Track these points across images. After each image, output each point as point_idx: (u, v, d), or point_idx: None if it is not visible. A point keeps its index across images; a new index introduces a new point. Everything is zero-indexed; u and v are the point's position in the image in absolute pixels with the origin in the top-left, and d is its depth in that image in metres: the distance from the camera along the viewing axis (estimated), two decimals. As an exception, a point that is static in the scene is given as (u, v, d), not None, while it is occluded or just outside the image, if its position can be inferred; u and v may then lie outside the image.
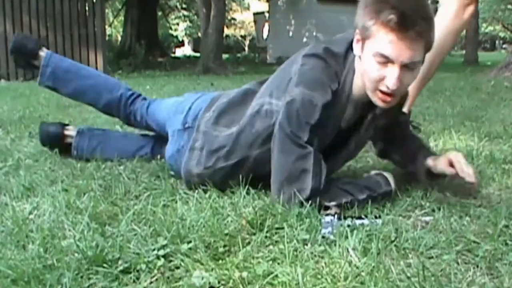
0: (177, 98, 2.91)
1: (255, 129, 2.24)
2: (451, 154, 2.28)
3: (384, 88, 2.02)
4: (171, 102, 2.87)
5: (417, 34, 1.92)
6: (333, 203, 2.06)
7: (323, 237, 1.80)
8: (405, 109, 2.57)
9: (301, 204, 2.01)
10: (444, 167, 2.27)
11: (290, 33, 24.68)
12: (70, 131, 3.18)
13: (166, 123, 2.74)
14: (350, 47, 2.14)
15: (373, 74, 2.02)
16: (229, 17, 39.47)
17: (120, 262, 1.61)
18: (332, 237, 1.79)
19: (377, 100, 2.09)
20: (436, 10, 3.35)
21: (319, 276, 1.51)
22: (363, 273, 1.53)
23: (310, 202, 2.02)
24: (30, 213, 2.14)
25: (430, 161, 2.36)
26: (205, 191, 2.37)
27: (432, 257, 1.68)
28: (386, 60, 1.97)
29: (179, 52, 39.33)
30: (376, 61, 1.99)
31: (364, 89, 2.11)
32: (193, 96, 2.73)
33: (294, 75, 2.13)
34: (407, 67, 1.98)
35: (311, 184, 2.04)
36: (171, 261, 1.65)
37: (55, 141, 3.18)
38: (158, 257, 1.64)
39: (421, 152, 2.45)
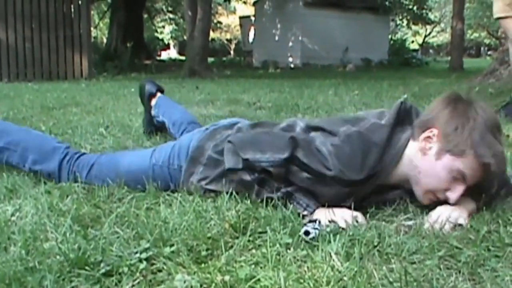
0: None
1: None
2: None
3: (441, 196, 2.10)
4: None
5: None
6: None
7: (305, 232, 1.81)
8: None
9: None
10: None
11: (276, 37, 24.77)
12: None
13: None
14: (390, 135, 2.14)
15: (440, 183, 2.08)
16: (215, 21, 39.43)
17: (102, 265, 1.61)
18: (314, 232, 1.80)
19: (424, 198, 2.16)
20: None
21: (302, 281, 1.51)
22: (345, 278, 1.53)
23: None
24: (12, 215, 2.13)
25: None
26: (189, 194, 2.36)
27: (414, 262, 1.69)
28: (461, 179, 2.05)
29: (164, 55, 39.36)
30: (451, 175, 2.05)
31: (406, 177, 2.16)
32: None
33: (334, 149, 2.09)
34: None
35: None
36: (153, 264, 1.64)
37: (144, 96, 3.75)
38: (140, 260, 1.64)
39: None
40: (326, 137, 2.13)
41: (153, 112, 3.69)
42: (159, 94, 3.69)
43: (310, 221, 1.93)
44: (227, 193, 2.27)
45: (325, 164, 2.03)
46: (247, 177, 2.15)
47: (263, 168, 2.10)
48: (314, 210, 2.07)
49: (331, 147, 2.05)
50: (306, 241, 1.81)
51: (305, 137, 2.16)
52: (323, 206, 2.06)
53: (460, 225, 2.00)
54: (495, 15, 4.83)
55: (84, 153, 2.74)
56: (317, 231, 1.83)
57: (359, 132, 2.08)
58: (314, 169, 2.05)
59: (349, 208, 2.02)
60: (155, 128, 3.84)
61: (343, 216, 1.99)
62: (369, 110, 2.44)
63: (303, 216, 2.05)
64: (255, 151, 2.10)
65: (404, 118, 2.21)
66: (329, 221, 1.94)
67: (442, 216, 2.02)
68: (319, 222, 1.92)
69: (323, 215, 2.00)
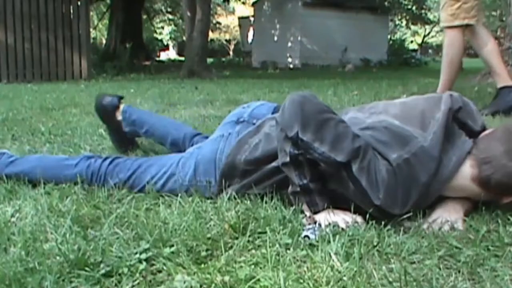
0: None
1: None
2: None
3: None
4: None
5: None
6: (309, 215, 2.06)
7: (305, 236, 1.81)
8: None
9: None
10: None
11: (275, 38, 24.75)
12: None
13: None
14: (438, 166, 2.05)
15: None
16: (214, 21, 39.45)
17: (102, 265, 1.61)
18: (314, 237, 1.80)
19: None
20: None
21: (301, 281, 1.52)
22: (345, 278, 1.53)
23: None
24: (12, 216, 2.13)
25: None
26: (188, 195, 2.36)
27: (414, 262, 1.69)
28: None
29: (163, 56, 39.28)
30: None
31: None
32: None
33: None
34: None
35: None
36: (153, 265, 1.65)
37: (108, 113, 3.27)
38: (140, 261, 1.64)
39: None
40: (384, 152, 2.00)
41: (125, 127, 3.25)
42: (122, 105, 3.27)
43: (309, 224, 1.93)
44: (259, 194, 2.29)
45: (376, 192, 1.93)
46: (289, 149, 2.00)
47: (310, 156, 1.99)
48: (319, 211, 2.04)
49: (386, 174, 1.94)
50: (306, 236, 1.81)
51: (371, 152, 1.97)
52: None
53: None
54: (441, 25, 5.10)
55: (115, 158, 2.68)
56: (317, 234, 1.83)
57: (409, 163, 1.97)
58: (363, 188, 1.94)
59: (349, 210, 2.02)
60: (130, 142, 3.46)
61: (344, 218, 1.98)
62: (411, 100, 2.34)
63: (304, 216, 2.04)
64: (315, 137, 1.94)
65: (452, 128, 2.16)
66: (329, 223, 1.94)
67: (441, 217, 2.03)
68: (319, 225, 1.92)
69: (323, 216, 2.00)
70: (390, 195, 1.92)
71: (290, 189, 2.10)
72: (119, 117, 3.23)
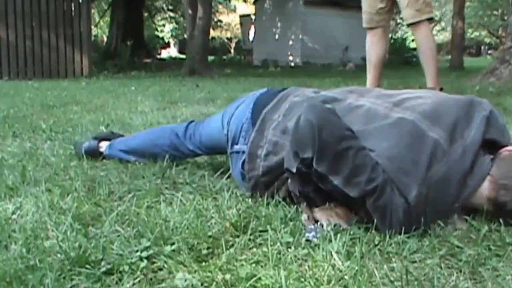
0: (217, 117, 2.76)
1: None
2: None
3: None
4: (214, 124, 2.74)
5: None
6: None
7: (307, 240, 1.81)
8: None
9: None
10: None
11: (276, 36, 24.74)
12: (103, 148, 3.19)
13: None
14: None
15: None
16: (215, 19, 39.45)
17: (103, 263, 1.61)
18: (316, 240, 1.80)
19: None
20: None
21: (303, 279, 1.51)
22: (346, 277, 1.53)
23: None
24: (13, 213, 2.13)
25: None
26: (189, 193, 2.36)
27: (415, 261, 1.69)
28: None
29: (164, 54, 39.30)
30: None
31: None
32: (231, 109, 2.62)
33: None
34: None
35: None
36: (154, 262, 1.64)
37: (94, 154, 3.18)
38: (141, 259, 1.64)
39: None
40: (402, 188, 1.88)
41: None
42: (102, 144, 3.20)
43: (310, 225, 1.93)
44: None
45: (388, 227, 1.86)
46: (297, 165, 1.92)
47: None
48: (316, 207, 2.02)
49: (402, 215, 1.85)
50: (308, 240, 1.81)
51: (388, 190, 1.86)
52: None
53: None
54: (407, 22, 5.17)
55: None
56: (318, 236, 1.83)
57: (429, 198, 1.88)
58: (374, 219, 1.88)
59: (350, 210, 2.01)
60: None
61: (345, 217, 1.97)
62: (442, 102, 2.16)
63: (305, 217, 2.04)
64: (330, 170, 1.85)
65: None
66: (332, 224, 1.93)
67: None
68: (322, 226, 1.92)
69: (325, 217, 1.99)
70: (402, 227, 1.86)
71: (290, 186, 2.07)
72: (102, 149, 3.18)
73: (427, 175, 1.88)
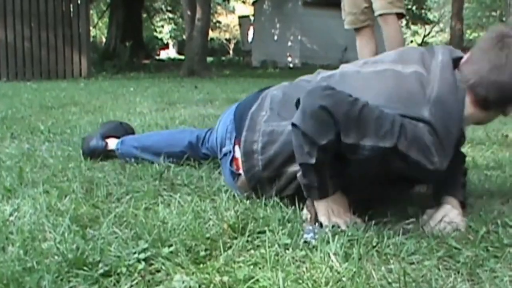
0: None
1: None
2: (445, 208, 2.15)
3: None
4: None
5: None
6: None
7: (305, 242, 1.81)
8: None
9: None
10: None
11: (275, 37, 24.74)
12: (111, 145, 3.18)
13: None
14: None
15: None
16: (214, 20, 39.39)
17: (100, 265, 1.61)
18: (314, 242, 1.80)
19: None
20: None
21: (300, 281, 1.51)
22: (344, 278, 1.53)
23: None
24: (11, 214, 2.13)
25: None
26: (187, 194, 2.36)
27: (413, 263, 1.69)
28: None
29: (163, 55, 39.24)
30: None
31: None
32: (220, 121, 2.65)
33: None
34: None
35: None
36: (151, 264, 1.64)
37: (97, 155, 3.17)
38: (138, 261, 1.64)
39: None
40: (414, 115, 1.95)
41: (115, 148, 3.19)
42: (110, 141, 3.20)
43: (309, 226, 1.93)
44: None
45: (430, 157, 1.89)
46: (315, 153, 1.88)
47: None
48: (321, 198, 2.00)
49: (429, 135, 1.90)
50: (306, 241, 1.81)
51: (407, 123, 1.89)
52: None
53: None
54: (377, 12, 5.02)
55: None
56: (316, 238, 1.83)
57: (438, 114, 1.95)
58: (415, 160, 1.89)
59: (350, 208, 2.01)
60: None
61: (345, 219, 1.98)
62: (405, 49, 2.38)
63: (307, 217, 2.04)
64: (359, 136, 1.84)
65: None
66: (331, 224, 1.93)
67: (446, 218, 2.02)
68: (320, 225, 1.92)
69: (324, 217, 1.99)
70: (440, 152, 1.90)
71: (304, 180, 2.01)
72: (111, 147, 3.17)
73: (425, 97, 1.98)
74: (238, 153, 2.34)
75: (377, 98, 1.99)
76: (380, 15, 4.99)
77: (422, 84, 2.02)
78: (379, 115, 1.86)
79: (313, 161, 1.89)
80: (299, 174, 2.02)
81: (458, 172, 2.35)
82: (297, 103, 1.96)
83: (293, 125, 1.93)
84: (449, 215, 2.05)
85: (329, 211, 2.00)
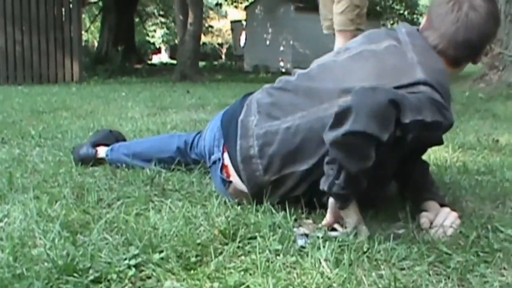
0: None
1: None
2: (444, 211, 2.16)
3: None
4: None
5: None
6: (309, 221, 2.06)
7: (302, 247, 1.81)
8: None
9: None
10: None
11: (267, 42, 24.77)
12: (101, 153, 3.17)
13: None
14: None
15: None
16: (206, 25, 39.43)
17: (91, 271, 1.60)
18: (306, 245, 1.80)
19: None
20: None
21: (291, 287, 1.51)
22: (334, 284, 1.53)
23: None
24: (0, 220, 2.11)
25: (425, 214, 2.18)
26: (178, 200, 2.36)
27: (404, 269, 1.69)
28: None
29: (155, 59, 39.23)
30: None
31: None
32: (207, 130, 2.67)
33: None
34: None
35: None
36: (142, 270, 1.64)
37: (87, 162, 3.14)
38: (129, 267, 1.63)
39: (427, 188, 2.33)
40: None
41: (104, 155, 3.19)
42: (100, 149, 3.20)
43: (301, 232, 1.93)
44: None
45: (445, 114, 1.91)
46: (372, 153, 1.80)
47: None
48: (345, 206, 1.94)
49: (437, 94, 1.93)
50: (303, 247, 1.81)
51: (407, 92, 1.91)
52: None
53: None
54: (337, 28, 4.98)
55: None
56: (309, 242, 1.83)
57: (435, 77, 2.00)
58: (438, 122, 1.88)
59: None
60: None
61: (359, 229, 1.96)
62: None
63: (299, 225, 2.03)
64: (417, 111, 1.80)
65: None
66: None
67: (447, 221, 2.04)
68: (333, 229, 1.94)
69: (353, 221, 1.95)
70: (447, 105, 1.96)
71: (338, 189, 1.89)
72: (101, 154, 3.17)
73: (409, 62, 2.06)
74: (227, 160, 2.33)
75: (366, 79, 2.04)
76: (339, 30, 5.00)
77: (400, 53, 2.12)
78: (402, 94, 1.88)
79: (370, 163, 1.79)
80: (336, 189, 1.88)
81: (427, 172, 2.41)
82: (337, 114, 1.81)
83: (348, 133, 1.75)
84: (449, 218, 2.07)
85: (358, 216, 1.97)
